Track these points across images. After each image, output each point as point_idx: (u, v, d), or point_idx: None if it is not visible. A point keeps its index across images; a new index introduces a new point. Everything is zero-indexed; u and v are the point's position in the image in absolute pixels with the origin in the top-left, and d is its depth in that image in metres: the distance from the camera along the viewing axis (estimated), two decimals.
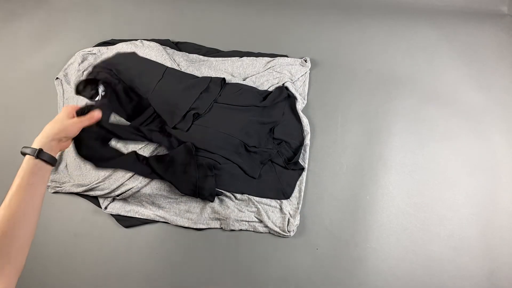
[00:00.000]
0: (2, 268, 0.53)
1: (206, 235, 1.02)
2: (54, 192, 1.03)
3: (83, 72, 1.10)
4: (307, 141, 1.07)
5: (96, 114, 0.78)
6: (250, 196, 1.02)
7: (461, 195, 1.06)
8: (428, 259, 1.00)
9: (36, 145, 0.66)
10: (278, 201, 1.03)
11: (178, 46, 1.16)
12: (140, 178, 0.95)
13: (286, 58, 1.15)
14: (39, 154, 0.64)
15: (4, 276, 0.53)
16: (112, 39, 1.16)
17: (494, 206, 1.05)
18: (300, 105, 1.10)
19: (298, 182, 1.05)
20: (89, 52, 1.13)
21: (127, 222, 1.01)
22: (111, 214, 1.01)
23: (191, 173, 0.94)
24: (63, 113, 0.72)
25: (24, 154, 0.65)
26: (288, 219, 1.00)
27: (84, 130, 0.75)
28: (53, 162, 0.67)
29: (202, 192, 0.96)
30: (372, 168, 1.07)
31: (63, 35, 1.17)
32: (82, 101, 1.02)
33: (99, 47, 1.14)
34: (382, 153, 1.09)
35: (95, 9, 1.20)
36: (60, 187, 1.02)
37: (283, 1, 1.23)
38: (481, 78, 1.16)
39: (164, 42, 1.14)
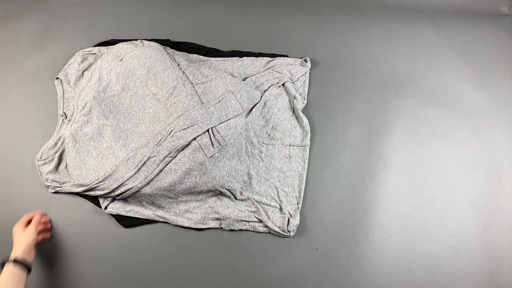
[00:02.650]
0: None
1: (206, 235, 1.02)
2: (54, 192, 1.03)
3: (83, 72, 1.10)
4: (307, 141, 1.08)
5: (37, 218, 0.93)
6: (250, 196, 1.02)
7: (461, 195, 1.06)
8: (428, 259, 1.01)
9: (15, 255, 0.82)
10: (278, 201, 1.03)
11: (178, 46, 1.16)
12: (140, 178, 0.95)
13: (286, 58, 1.15)
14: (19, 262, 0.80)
15: None
16: (112, 39, 1.15)
17: (494, 206, 1.05)
18: (300, 105, 1.10)
19: (298, 182, 1.05)
20: (89, 52, 1.13)
21: (127, 222, 1.01)
22: (111, 214, 1.01)
23: None
24: (20, 228, 0.90)
25: (3, 264, 0.80)
26: (288, 219, 1.00)
27: None
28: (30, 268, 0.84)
29: None
30: (372, 168, 1.07)
31: (63, 35, 1.17)
32: (82, 100, 1.02)
33: (99, 47, 1.14)
34: (382, 153, 1.09)
35: (95, 9, 1.20)
36: (60, 187, 1.02)
37: (283, 1, 1.23)
38: (481, 78, 1.16)
39: (164, 42, 1.14)
